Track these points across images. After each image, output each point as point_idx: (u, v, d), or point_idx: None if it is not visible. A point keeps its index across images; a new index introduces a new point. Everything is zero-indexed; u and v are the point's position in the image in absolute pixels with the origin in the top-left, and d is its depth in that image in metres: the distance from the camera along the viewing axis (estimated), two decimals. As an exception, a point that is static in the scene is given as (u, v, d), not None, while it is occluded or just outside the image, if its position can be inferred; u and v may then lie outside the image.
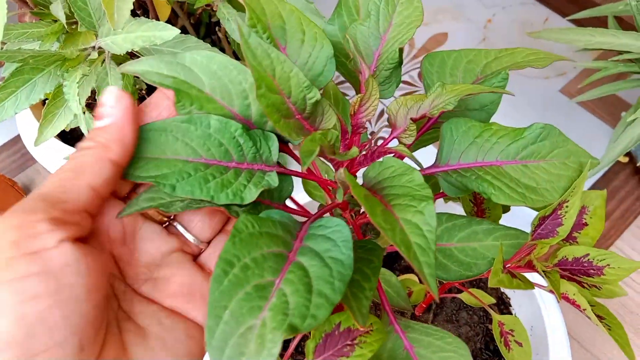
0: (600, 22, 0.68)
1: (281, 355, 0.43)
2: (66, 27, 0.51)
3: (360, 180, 0.30)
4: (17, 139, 1.01)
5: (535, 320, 0.55)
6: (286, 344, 0.44)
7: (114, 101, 0.29)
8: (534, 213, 0.38)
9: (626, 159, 0.84)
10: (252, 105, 0.32)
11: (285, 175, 0.33)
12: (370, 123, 1.01)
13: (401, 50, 0.37)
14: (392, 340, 0.34)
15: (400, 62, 0.37)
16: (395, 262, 0.64)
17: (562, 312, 0.57)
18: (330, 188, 0.37)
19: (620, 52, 0.62)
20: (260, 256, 0.26)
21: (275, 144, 0.31)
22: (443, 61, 0.41)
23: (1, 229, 0.24)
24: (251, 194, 0.29)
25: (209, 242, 0.35)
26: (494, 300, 0.51)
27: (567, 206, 0.37)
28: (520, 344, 0.43)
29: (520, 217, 0.47)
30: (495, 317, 0.45)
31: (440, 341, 0.33)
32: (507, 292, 0.63)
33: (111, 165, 0.28)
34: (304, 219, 0.31)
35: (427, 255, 0.24)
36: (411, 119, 0.32)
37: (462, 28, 1.05)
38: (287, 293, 0.24)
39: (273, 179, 0.31)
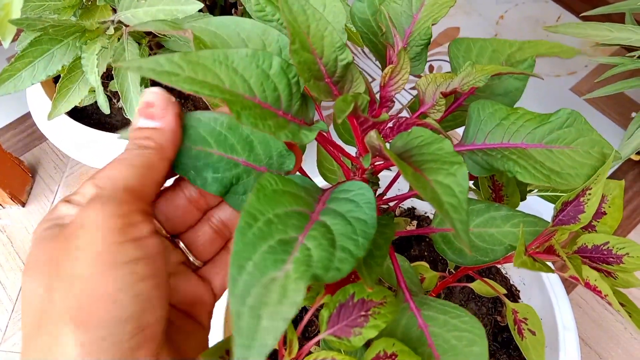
0: (610, 21, 0.68)
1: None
2: (84, 0, 0.51)
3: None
4: (24, 118, 1.00)
5: (545, 312, 0.55)
6: (296, 322, 0.44)
7: (164, 104, 0.30)
8: (548, 206, 0.38)
9: (638, 157, 0.84)
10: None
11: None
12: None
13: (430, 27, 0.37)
14: (406, 317, 0.34)
15: (429, 41, 0.37)
16: (405, 251, 0.63)
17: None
18: (351, 165, 0.37)
19: (635, 49, 0.62)
20: (284, 213, 0.26)
21: (313, 106, 0.31)
22: (469, 47, 0.41)
23: (103, 216, 0.26)
24: (308, 137, 0.29)
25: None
26: (505, 291, 0.51)
27: (589, 193, 0.37)
28: (533, 333, 0.43)
29: (534, 210, 0.47)
30: (509, 305, 0.44)
31: (456, 320, 0.33)
32: (517, 283, 0.62)
33: (168, 165, 0.30)
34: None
35: (459, 213, 0.24)
36: (441, 93, 0.31)
37: (474, 23, 1.05)
38: (311, 247, 0.24)
39: (322, 125, 0.31)
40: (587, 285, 0.36)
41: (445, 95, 0.33)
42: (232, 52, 0.28)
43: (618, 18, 0.71)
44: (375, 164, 0.36)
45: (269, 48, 0.33)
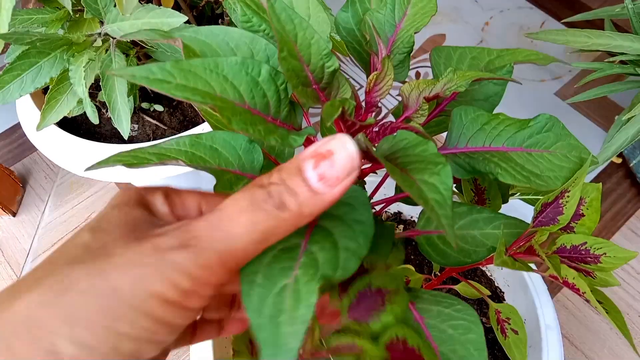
0: (593, 27, 0.70)
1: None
2: (71, 13, 0.51)
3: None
4: (15, 128, 1.01)
5: (529, 314, 0.56)
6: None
7: (352, 168, 0.23)
8: (530, 209, 0.39)
9: (619, 160, 0.85)
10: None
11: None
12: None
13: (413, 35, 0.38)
14: None
15: (412, 49, 0.38)
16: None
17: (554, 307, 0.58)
18: None
19: (616, 54, 0.64)
20: None
21: (301, 112, 0.32)
22: (449, 55, 0.43)
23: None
24: (296, 141, 0.29)
25: None
26: (489, 292, 0.52)
27: (568, 195, 0.38)
28: (516, 332, 0.44)
29: (517, 212, 0.48)
30: (492, 305, 0.45)
31: (450, 309, 0.34)
32: (501, 285, 0.63)
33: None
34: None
35: (444, 209, 0.25)
36: (424, 98, 0.32)
37: (460, 30, 1.06)
38: (315, 251, 0.25)
39: (310, 130, 0.31)
40: (565, 283, 0.37)
41: (428, 100, 0.34)
42: (222, 60, 0.29)
43: (600, 23, 0.72)
44: (362, 167, 0.36)
45: (257, 56, 0.34)
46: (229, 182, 0.32)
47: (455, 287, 0.53)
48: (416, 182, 0.27)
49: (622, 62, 0.67)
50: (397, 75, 0.40)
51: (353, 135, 0.34)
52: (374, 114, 0.38)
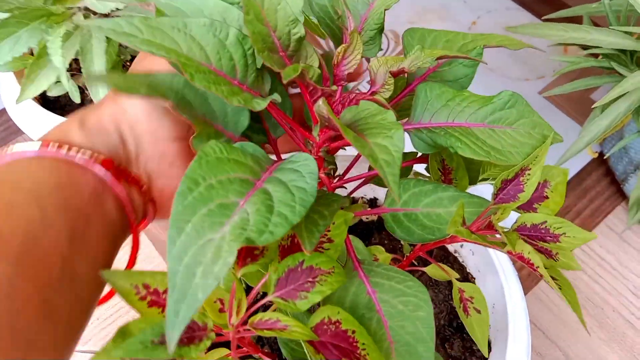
0: (573, 23, 0.71)
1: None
2: (53, -14, 0.52)
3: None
4: (0, 112, 1.01)
5: (498, 299, 0.57)
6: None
7: None
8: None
9: (596, 155, 0.86)
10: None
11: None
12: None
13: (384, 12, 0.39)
14: (355, 284, 0.36)
15: (382, 26, 0.38)
16: (366, 239, 0.65)
17: (529, 302, 0.58)
18: (306, 141, 0.38)
19: (587, 48, 0.65)
20: (227, 179, 0.27)
21: (269, 80, 0.32)
22: (423, 36, 0.43)
23: None
24: (260, 104, 0.30)
25: None
26: (458, 276, 0.53)
27: (528, 174, 0.39)
28: (478, 311, 0.44)
29: (481, 190, 0.49)
30: (456, 284, 0.46)
31: (402, 285, 0.35)
32: (472, 271, 0.64)
33: None
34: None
35: (392, 167, 0.26)
36: (390, 72, 0.33)
37: (447, 27, 1.07)
38: (249, 212, 0.26)
39: (276, 96, 0.32)
40: (520, 258, 0.37)
41: (394, 74, 0.35)
42: (190, 21, 0.30)
43: (580, 21, 0.73)
44: (329, 140, 0.37)
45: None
46: (207, 136, 0.33)
47: (425, 269, 0.54)
48: (369, 144, 0.28)
49: (593, 55, 0.67)
50: (367, 51, 0.40)
51: (315, 100, 0.35)
52: (342, 88, 0.38)
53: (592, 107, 0.59)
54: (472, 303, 0.45)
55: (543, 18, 0.75)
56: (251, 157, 0.30)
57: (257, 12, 0.30)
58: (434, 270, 0.52)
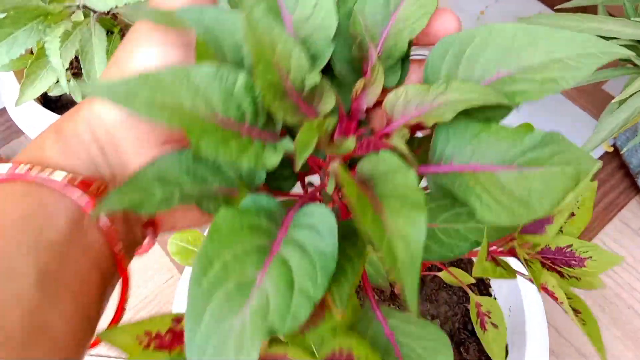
0: (586, 13, 0.69)
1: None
2: (50, -16, 0.50)
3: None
4: (0, 112, 1.00)
5: (515, 301, 0.55)
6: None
7: None
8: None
9: (611, 149, 0.84)
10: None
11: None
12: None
13: (410, 42, 0.34)
14: (373, 326, 0.34)
15: (406, 54, 0.34)
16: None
17: (542, 297, 0.57)
18: (321, 168, 0.35)
19: (608, 39, 0.63)
20: (242, 252, 0.25)
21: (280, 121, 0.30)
22: (460, 51, 0.34)
23: None
24: (271, 160, 0.27)
25: None
26: (473, 280, 0.51)
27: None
28: (495, 326, 0.43)
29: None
30: (473, 297, 0.45)
31: (421, 330, 0.33)
32: (488, 272, 0.63)
33: None
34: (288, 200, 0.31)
35: (411, 275, 0.23)
36: (406, 126, 0.30)
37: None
38: (269, 291, 0.24)
39: (288, 145, 0.29)
40: (544, 289, 0.35)
41: (411, 129, 0.31)
42: (194, 70, 0.27)
43: (593, 10, 0.71)
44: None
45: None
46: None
47: (440, 274, 0.53)
48: (387, 231, 0.24)
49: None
50: (387, 80, 0.35)
51: (330, 159, 0.32)
52: (359, 122, 0.34)
53: (611, 102, 0.57)
54: (490, 318, 0.43)
55: (556, 8, 0.73)
56: (265, 213, 0.28)
57: (268, 62, 0.28)
58: (448, 275, 0.51)
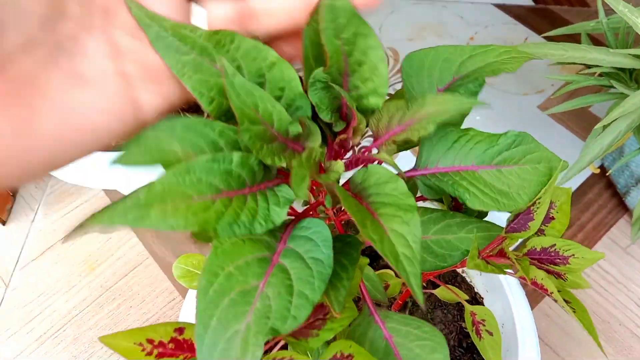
0: (574, 41, 0.72)
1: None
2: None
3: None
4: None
5: (507, 319, 0.57)
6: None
7: None
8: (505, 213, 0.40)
9: (598, 170, 0.87)
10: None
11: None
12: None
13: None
14: (372, 330, 0.36)
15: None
16: (374, 261, 0.66)
17: (535, 318, 0.59)
18: (315, 187, 0.38)
19: (592, 67, 0.66)
20: (244, 263, 0.27)
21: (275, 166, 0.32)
22: (421, 61, 0.41)
23: None
24: (279, 215, 0.29)
25: None
26: (467, 297, 0.53)
27: (538, 203, 0.39)
28: (491, 334, 0.45)
29: (492, 215, 0.50)
30: (468, 307, 0.47)
31: (418, 330, 0.35)
32: (480, 291, 0.65)
33: None
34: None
35: (413, 266, 0.26)
36: (394, 141, 0.33)
37: (445, 44, 1.08)
38: (270, 295, 0.26)
39: (288, 192, 0.30)
40: (534, 283, 0.38)
41: (397, 144, 0.34)
42: (193, 163, 0.28)
43: (579, 38, 0.74)
44: (341, 212, 0.37)
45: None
46: None
47: (435, 292, 0.55)
48: (386, 233, 0.27)
49: (600, 74, 0.69)
50: None
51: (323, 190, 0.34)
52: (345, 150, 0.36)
53: (595, 127, 0.60)
54: (484, 326, 0.45)
55: (542, 35, 0.76)
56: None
57: (253, 118, 0.29)
58: (443, 292, 0.53)
